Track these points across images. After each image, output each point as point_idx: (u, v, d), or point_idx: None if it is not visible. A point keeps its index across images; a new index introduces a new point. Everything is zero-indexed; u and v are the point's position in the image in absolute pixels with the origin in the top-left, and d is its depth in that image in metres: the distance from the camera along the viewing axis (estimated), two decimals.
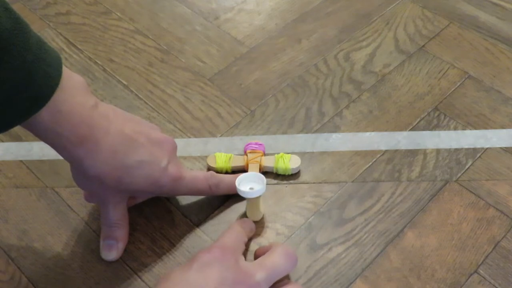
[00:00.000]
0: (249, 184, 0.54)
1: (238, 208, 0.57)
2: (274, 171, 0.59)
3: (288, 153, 0.60)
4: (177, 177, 0.51)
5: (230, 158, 0.59)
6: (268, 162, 0.59)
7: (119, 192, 0.51)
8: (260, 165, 0.58)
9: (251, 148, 0.60)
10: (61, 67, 0.44)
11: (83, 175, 0.49)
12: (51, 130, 0.45)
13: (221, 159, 0.59)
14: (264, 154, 0.60)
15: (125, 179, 0.49)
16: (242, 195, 0.52)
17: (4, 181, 0.60)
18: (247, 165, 0.58)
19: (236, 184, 0.53)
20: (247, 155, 0.59)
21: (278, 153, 0.60)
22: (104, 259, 0.53)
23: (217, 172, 0.58)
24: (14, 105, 0.42)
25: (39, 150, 0.62)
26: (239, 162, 0.59)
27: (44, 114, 0.44)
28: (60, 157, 0.61)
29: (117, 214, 0.53)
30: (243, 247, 0.50)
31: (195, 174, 0.54)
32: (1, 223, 0.56)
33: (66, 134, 0.45)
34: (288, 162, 0.59)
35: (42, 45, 0.43)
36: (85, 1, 0.80)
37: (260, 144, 0.60)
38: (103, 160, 0.47)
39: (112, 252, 0.53)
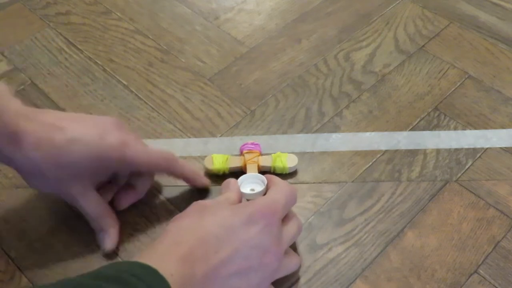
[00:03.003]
0: (250, 185, 0.54)
1: None
2: (272, 171, 0.59)
3: (285, 152, 0.60)
4: (119, 144, 0.50)
5: (227, 159, 0.59)
6: (265, 161, 0.59)
7: (71, 180, 0.50)
8: (258, 165, 0.58)
9: (248, 148, 0.59)
10: None
11: (27, 175, 0.50)
12: None
13: (218, 161, 0.58)
14: (261, 154, 0.60)
15: (62, 162, 0.48)
16: (244, 197, 0.52)
17: (4, 181, 0.60)
18: (245, 165, 0.58)
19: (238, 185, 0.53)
20: (244, 156, 0.59)
21: (275, 153, 0.60)
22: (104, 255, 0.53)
23: (215, 173, 0.58)
24: None
25: None
26: (236, 163, 0.59)
27: None
28: None
29: (91, 205, 0.52)
30: (286, 212, 0.49)
31: (150, 147, 0.53)
32: (1, 223, 0.56)
33: None
34: (286, 161, 0.59)
35: None
36: (85, 1, 0.80)
37: (256, 144, 0.60)
38: (31, 150, 0.47)
39: (105, 244, 0.53)
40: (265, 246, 0.45)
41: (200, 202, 0.47)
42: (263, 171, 0.58)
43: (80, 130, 0.49)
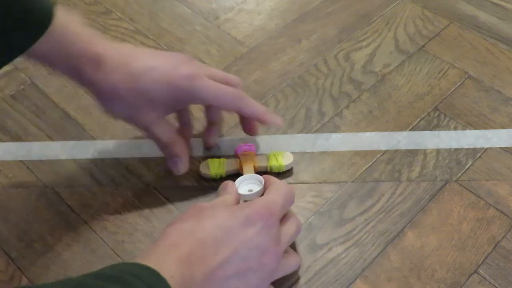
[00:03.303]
0: (248, 186, 0.54)
1: None
2: (268, 170, 0.59)
3: (280, 151, 0.60)
4: (191, 75, 0.53)
5: (222, 162, 0.58)
6: (261, 161, 0.59)
7: (146, 107, 0.53)
8: (254, 166, 0.58)
9: (242, 149, 0.59)
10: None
11: (105, 98, 0.53)
12: (57, 54, 0.50)
13: (214, 165, 0.58)
14: (256, 154, 0.60)
15: (139, 87, 0.52)
16: (242, 198, 0.52)
17: (4, 181, 0.60)
18: (241, 167, 0.58)
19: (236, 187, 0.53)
20: (239, 158, 0.59)
21: (269, 152, 0.60)
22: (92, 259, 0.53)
23: (212, 178, 0.58)
24: (20, 29, 0.47)
25: (39, 150, 0.62)
26: (232, 165, 0.58)
27: (49, 38, 0.48)
28: (60, 157, 0.61)
29: (165, 134, 0.55)
30: (284, 212, 0.49)
31: (220, 84, 0.55)
32: (1, 223, 0.56)
33: (74, 52, 0.50)
34: (281, 159, 0.59)
35: None
36: (85, 1, 0.80)
37: (251, 145, 0.60)
38: (111, 73, 0.51)
39: (178, 168, 0.56)
40: (263, 246, 0.45)
41: (198, 205, 0.48)
42: (259, 171, 0.58)
43: (155, 60, 0.53)
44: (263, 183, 0.53)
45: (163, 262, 0.40)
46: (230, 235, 0.44)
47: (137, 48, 0.55)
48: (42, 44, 0.49)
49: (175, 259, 0.41)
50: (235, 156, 0.60)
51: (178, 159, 0.56)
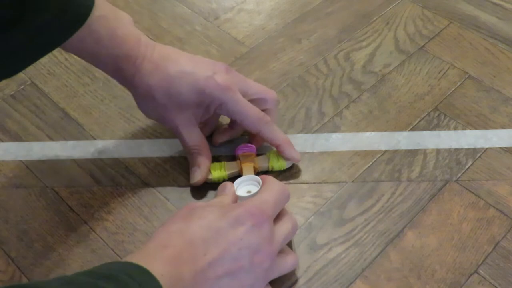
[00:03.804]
0: (246, 187, 0.54)
1: None
2: (270, 169, 0.59)
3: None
4: (224, 86, 0.54)
5: (223, 165, 0.58)
6: (262, 162, 0.58)
7: (177, 110, 0.54)
8: (254, 167, 0.58)
9: (243, 151, 0.59)
10: None
11: (140, 98, 0.55)
12: (97, 50, 0.51)
13: (216, 169, 0.58)
14: (256, 154, 0.59)
15: (172, 90, 0.53)
16: (239, 200, 0.52)
17: (4, 181, 0.60)
18: (241, 169, 0.57)
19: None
20: (239, 159, 0.58)
21: (269, 151, 0.60)
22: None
23: (215, 182, 0.57)
24: (62, 20, 0.48)
25: (39, 150, 0.62)
26: (233, 168, 0.58)
27: (87, 33, 0.50)
28: (60, 157, 0.61)
29: (192, 139, 0.56)
30: (278, 211, 0.49)
31: (249, 103, 0.56)
32: (1, 223, 0.56)
33: (116, 51, 0.52)
34: (282, 158, 0.59)
35: None
36: None
37: (251, 146, 0.60)
38: (148, 73, 0.53)
39: (195, 178, 0.56)
40: (255, 245, 0.45)
41: (191, 204, 0.48)
42: (260, 171, 0.58)
43: (194, 66, 0.55)
44: (261, 183, 0.53)
45: (152, 262, 0.40)
46: (219, 235, 0.44)
47: (179, 51, 0.56)
48: (82, 38, 0.50)
49: (163, 259, 0.41)
50: (235, 157, 0.60)
51: (198, 170, 0.56)
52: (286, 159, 0.58)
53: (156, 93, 0.53)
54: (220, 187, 0.53)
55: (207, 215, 0.46)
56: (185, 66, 0.54)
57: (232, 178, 0.57)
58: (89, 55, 0.53)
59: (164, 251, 0.42)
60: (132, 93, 0.56)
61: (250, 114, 0.56)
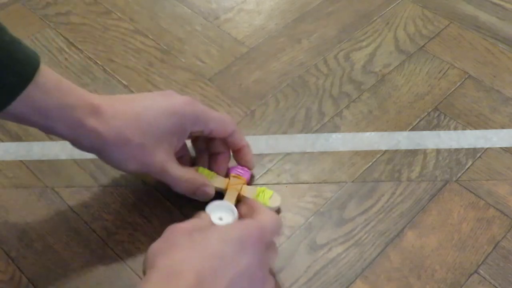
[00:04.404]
0: (220, 213, 0.52)
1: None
2: None
3: (270, 190, 0.56)
4: (191, 100, 0.53)
5: (212, 176, 0.56)
6: (248, 193, 0.55)
7: (154, 146, 0.51)
8: (239, 194, 0.55)
9: (236, 172, 0.57)
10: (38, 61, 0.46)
11: (111, 149, 0.50)
12: (47, 106, 0.47)
13: (204, 174, 0.56)
14: (247, 183, 0.57)
15: (143, 125, 0.50)
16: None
17: (4, 181, 0.60)
18: (226, 189, 0.55)
19: (207, 211, 0.51)
20: (229, 179, 0.56)
21: (260, 188, 0.56)
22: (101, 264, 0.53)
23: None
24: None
25: (39, 150, 0.62)
26: (220, 183, 0.56)
27: (37, 90, 0.46)
28: (60, 157, 0.61)
29: (180, 170, 0.53)
30: (271, 239, 0.49)
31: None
32: (1, 223, 0.56)
33: (76, 104, 0.48)
34: (268, 200, 0.55)
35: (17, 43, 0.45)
36: (85, 1, 0.80)
37: (246, 171, 0.57)
38: (112, 116, 0.49)
39: (210, 193, 0.55)
40: (254, 274, 0.44)
41: (179, 227, 0.46)
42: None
43: (151, 98, 0.53)
44: (236, 214, 0.51)
45: None
46: (226, 264, 0.42)
47: (130, 95, 0.55)
48: (29, 93, 0.46)
49: None
50: (227, 174, 0.57)
51: (206, 187, 0.54)
52: (245, 162, 0.57)
53: (129, 132, 0.50)
54: (195, 216, 0.51)
55: (210, 240, 0.44)
56: (144, 101, 0.52)
57: (217, 193, 0.55)
58: (36, 113, 0.47)
59: (175, 284, 0.40)
60: (100, 145, 0.50)
61: (223, 117, 0.55)
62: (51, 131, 0.49)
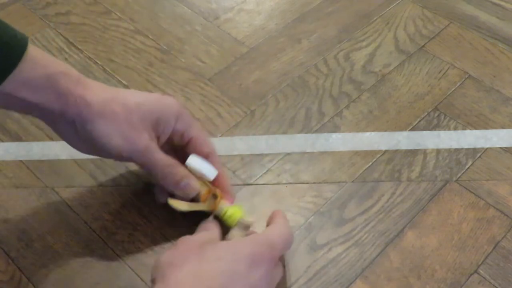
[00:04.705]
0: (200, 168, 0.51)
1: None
2: (222, 215, 0.52)
3: (243, 214, 0.53)
4: (176, 102, 0.53)
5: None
6: (219, 208, 0.52)
7: (138, 126, 0.49)
8: (214, 203, 0.52)
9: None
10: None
11: (95, 114, 0.48)
12: (37, 66, 0.46)
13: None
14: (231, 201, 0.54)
15: (130, 101, 0.49)
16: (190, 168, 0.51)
17: (4, 181, 0.60)
18: (204, 195, 0.53)
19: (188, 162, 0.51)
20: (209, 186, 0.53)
21: (239, 205, 0.53)
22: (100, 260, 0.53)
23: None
24: None
25: (39, 150, 0.62)
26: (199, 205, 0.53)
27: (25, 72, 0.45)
28: (60, 157, 0.61)
29: (165, 157, 0.51)
30: (288, 249, 0.49)
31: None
32: (1, 223, 0.56)
33: (64, 73, 0.47)
34: (239, 219, 0.52)
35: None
36: (85, 1, 0.80)
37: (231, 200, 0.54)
38: (100, 88, 0.49)
39: (193, 187, 0.52)
40: None
41: (192, 240, 0.45)
42: (213, 214, 0.53)
43: (139, 95, 0.52)
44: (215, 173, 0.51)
45: None
46: (235, 281, 0.42)
47: (118, 90, 0.52)
48: (17, 74, 0.45)
49: None
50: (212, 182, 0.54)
51: (188, 180, 0.51)
52: (222, 190, 0.53)
53: (115, 106, 0.48)
54: (201, 226, 0.50)
55: (222, 255, 0.44)
56: (133, 93, 0.52)
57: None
58: (24, 88, 0.46)
59: None
60: (86, 119, 0.48)
61: (205, 133, 0.55)
62: (37, 108, 0.47)
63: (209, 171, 0.52)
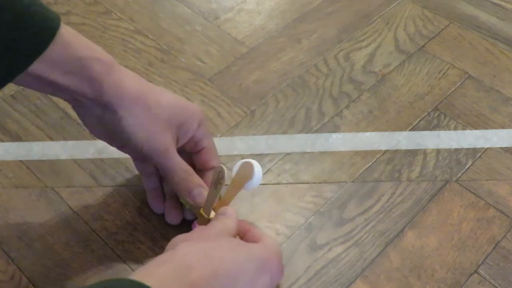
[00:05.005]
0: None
1: (240, 209, 0.56)
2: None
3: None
4: (200, 110, 0.53)
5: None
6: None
7: (163, 126, 0.49)
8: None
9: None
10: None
11: (128, 99, 0.48)
12: (71, 49, 0.45)
13: None
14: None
15: (163, 99, 0.50)
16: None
17: (4, 181, 0.60)
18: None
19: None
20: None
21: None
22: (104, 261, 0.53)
23: None
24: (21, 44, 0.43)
25: (39, 150, 0.62)
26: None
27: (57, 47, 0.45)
28: (60, 157, 0.61)
29: (183, 162, 0.50)
30: None
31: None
32: (1, 223, 0.56)
33: (99, 57, 0.47)
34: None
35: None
36: (85, 1, 0.80)
37: None
38: (135, 77, 0.49)
39: (204, 195, 0.51)
40: None
41: (205, 229, 0.46)
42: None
43: (170, 95, 0.52)
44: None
45: (166, 284, 0.37)
46: (242, 276, 0.42)
47: (150, 86, 0.52)
48: (49, 54, 0.44)
49: (182, 283, 0.38)
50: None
51: (201, 189, 0.51)
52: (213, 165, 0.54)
53: (148, 99, 0.48)
54: (220, 211, 0.49)
55: (236, 247, 0.43)
56: (163, 90, 0.52)
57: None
58: (56, 69, 0.45)
59: (186, 273, 0.39)
60: (118, 104, 0.47)
61: (215, 148, 0.55)
62: (68, 90, 0.47)
63: (257, 179, 0.50)
